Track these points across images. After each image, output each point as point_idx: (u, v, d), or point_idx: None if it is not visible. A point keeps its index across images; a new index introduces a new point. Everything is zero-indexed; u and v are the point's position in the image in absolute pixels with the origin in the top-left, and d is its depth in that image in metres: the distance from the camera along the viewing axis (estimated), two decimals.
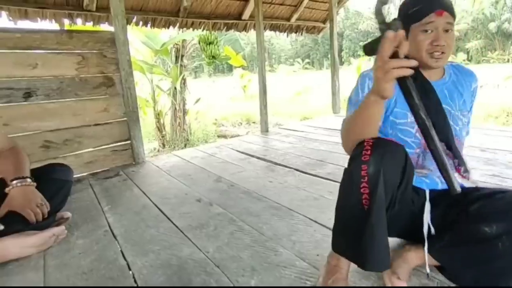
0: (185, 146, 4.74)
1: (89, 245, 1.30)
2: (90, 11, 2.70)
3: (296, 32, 4.84)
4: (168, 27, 3.51)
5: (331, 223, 1.34)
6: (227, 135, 5.66)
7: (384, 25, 0.64)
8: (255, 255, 1.18)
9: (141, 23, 3.25)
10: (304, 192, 1.76)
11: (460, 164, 0.93)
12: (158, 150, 4.76)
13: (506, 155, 2.15)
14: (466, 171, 0.94)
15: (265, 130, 3.60)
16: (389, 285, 0.92)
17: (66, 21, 2.59)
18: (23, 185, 1.26)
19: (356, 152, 0.80)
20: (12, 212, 1.21)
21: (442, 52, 0.87)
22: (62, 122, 2.12)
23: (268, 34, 4.59)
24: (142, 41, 4.60)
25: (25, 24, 2.40)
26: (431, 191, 0.97)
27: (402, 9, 0.93)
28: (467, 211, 0.86)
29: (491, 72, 12.85)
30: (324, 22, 4.88)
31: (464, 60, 26.55)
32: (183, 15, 3.48)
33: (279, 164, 2.31)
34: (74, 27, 2.68)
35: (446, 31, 0.87)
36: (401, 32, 0.62)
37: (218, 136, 5.73)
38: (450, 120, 0.94)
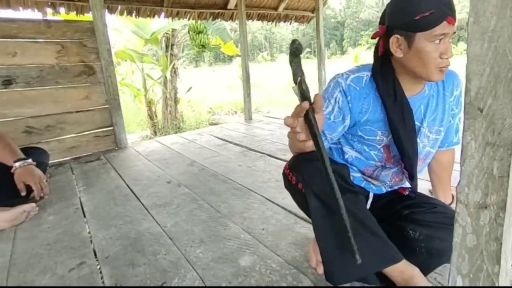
0: (176, 133, 4.84)
1: (58, 221, 1.42)
2: (73, 1, 2.76)
3: (284, 22, 4.83)
4: (153, 17, 3.55)
5: (284, 202, 1.46)
6: (220, 123, 5.75)
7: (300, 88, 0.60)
8: (207, 229, 1.29)
9: (125, 12, 3.29)
10: (268, 175, 1.86)
11: (412, 191, 0.95)
12: (150, 138, 4.87)
13: None
14: (412, 190, 0.97)
15: (248, 118, 3.68)
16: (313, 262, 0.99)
17: (49, 10, 2.66)
18: (26, 165, 1.42)
19: (286, 182, 0.95)
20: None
21: (448, 65, 0.79)
22: (43, 108, 2.23)
23: (266, 24, 4.61)
24: (132, 30, 4.65)
25: (6, 13, 2.47)
26: (375, 194, 1.03)
27: (402, 13, 0.79)
28: (401, 212, 0.93)
29: None
30: (312, 11, 4.86)
31: (464, 50, 25.99)
32: (167, 5, 3.51)
33: (253, 150, 2.40)
34: (58, 16, 2.75)
35: (450, 39, 0.79)
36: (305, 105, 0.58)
37: (211, 124, 5.82)
38: (418, 137, 0.91)
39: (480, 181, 0.48)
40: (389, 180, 0.97)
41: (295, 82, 0.60)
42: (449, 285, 0.54)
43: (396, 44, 0.82)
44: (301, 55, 0.61)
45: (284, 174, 1.00)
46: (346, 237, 0.65)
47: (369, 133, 0.90)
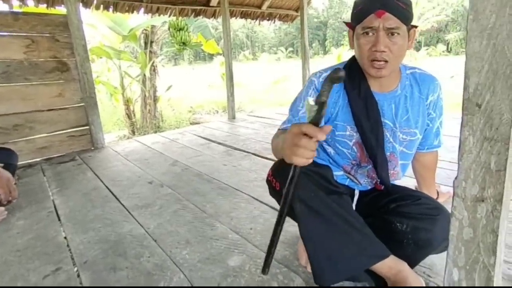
0: (155, 133, 4.71)
1: (29, 225, 1.32)
2: None
3: (268, 20, 4.84)
4: (132, 12, 3.42)
5: (272, 200, 1.43)
6: (201, 122, 5.66)
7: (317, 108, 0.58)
8: (193, 230, 1.25)
9: (101, 7, 3.15)
10: (254, 174, 1.83)
11: (382, 182, 0.94)
12: (128, 138, 4.70)
13: None
14: (386, 187, 0.96)
15: (232, 117, 3.64)
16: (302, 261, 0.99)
17: (16, 3, 2.48)
18: None
19: (271, 189, 0.94)
20: None
21: (384, 61, 0.79)
22: (10, 107, 2.07)
23: (249, 22, 4.57)
24: (108, 26, 4.46)
25: None
26: (360, 191, 1.03)
27: (352, 9, 0.86)
28: (387, 206, 0.93)
29: None
30: (296, 10, 4.89)
31: (443, 51, 27.38)
32: (147, 0, 3.40)
33: (238, 149, 2.37)
34: (25, 9, 2.57)
35: (391, 34, 0.78)
36: (326, 128, 0.58)
37: (191, 124, 5.71)
38: (390, 136, 0.92)
39: (478, 175, 0.48)
40: (366, 177, 0.98)
41: (316, 102, 0.58)
42: (445, 277, 0.55)
43: (351, 38, 0.89)
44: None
45: (268, 181, 0.99)
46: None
47: (340, 128, 0.92)
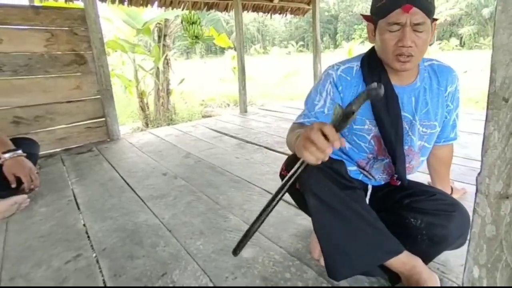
0: (168, 125, 4.78)
1: (51, 213, 1.38)
2: None
3: (280, 13, 4.78)
4: (146, 6, 3.46)
5: (284, 195, 1.44)
6: (212, 115, 5.69)
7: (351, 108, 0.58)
8: (206, 221, 1.27)
9: (117, 1, 3.19)
10: (266, 167, 1.84)
11: (399, 178, 0.93)
12: (141, 130, 4.78)
13: (480, 138, 2.17)
14: (403, 183, 0.94)
15: (243, 110, 3.65)
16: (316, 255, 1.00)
17: None
18: (15, 156, 1.36)
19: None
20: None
21: (410, 55, 0.78)
22: (31, 98, 2.14)
23: (261, 16, 4.53)
24: (123, 19, 4.51)
25: None
26: (373, 186, 1.03)
27: (372, 1, 0.84)
28: (401, 202, 0.92)
29: (480, 57, 12.90)
30: (308, 3, 4.81)
31: (456, 46, 26.42)
32: None
33: (250, 142, 2.38)
34: (45, 3, 2.63)
35: (417, 29, 0.77)
36: (342, 141, 0.60)
37: (203, 117, 5.75)
38: (409, 129, 0.91)
39: (502, 171, 0.47)
40: (382, 172, 0.97)
41: (347, 109, 0.58)
42: (465, 275, 0.54)
43: (371, 32, 0.87)
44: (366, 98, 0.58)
45: (281, 175, 1.00)
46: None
47: (358, 122, 0.90)
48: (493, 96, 0.47)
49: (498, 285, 0.50)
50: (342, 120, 0.58)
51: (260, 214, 0.70)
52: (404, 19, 0.76)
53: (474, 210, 0.51)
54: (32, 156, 1.55)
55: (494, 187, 0.48)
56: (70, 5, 2.70)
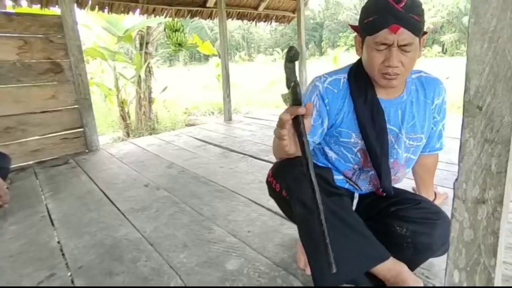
0: (150, 135, 4.68)
1: (22, 230, 1.29)
2: None
3: (265, 21, 4.84)
4: (127, 13, 3.40)
5: (269, 203, 1.43)
6: (196, 124, 5.63)
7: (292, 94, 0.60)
8: (190, 233, 1.23)
9: (96, 7, 3.12)
10: (251, 176, 1.82)
11: (384, 190, 0.93)
12: (122, 140, 4.65)
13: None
14: (388, 195, 0.95)
15: (228, 118, 3.63)
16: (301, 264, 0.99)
17: (9, 3, 2.44)
18: None
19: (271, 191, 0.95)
20: None
21: (396, 74, 0.79)
22: (2, 109, 2.03)
23: (246, 23, 4.57)
24: (103, 26, 4.43)
25: None
26: (360, 194, 1.03)
27: (360, 15, 0.83)
28: (387, 210, 0.93)
29: (461, 65, 13.50)
30: (293, 11, 4.91)
31: (439, 53, 27.65)
32: (143, 1, 3.38)
33: (234, 151, 2.36)
34: (19, 10, 2.54)
35: (404, 50, 0.76)
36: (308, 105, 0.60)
37: (187, 125, 5.68)
38: (395, 142, 0.91)
39: (479, 177, 0.48)
40: (368, 183, 0.98)
41: (288, 87, 0.60)
42: (446, 279, 0.54)
43: (358, 44, 0.87)
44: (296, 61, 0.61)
45: (268, 182, 0.98)
46: (324, 244, 0.64)
47: (344, 135, 0.91)
48: (468, 104, 0.48)
49: (477, 287, 0.50)
50: (294, 96, 0.61)
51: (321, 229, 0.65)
52: (392, 39, 0.75)
53: (452, 215, 0.52)
54: (2, 170, 1.46)
55: (471, 193, 0.49)
56: (46, 11, 2.61)
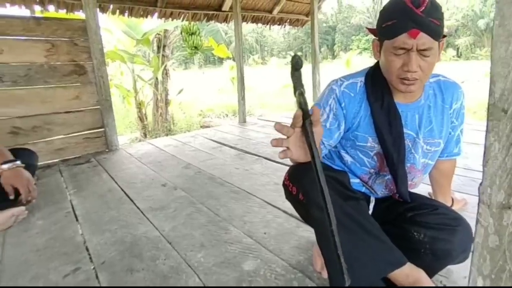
0: (166, 136, 4.77)
1: (48, 225, 1.35)
2: None
3: (279, 25, 4.87)
4: (146, 17, 3.49)
5: (285, 205, 1.44)
6: (211, 126, 5.70)
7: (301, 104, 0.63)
8: (207, 233, 1.26)
9: (117, 12, 3.23)
10: (266, 178, 1.84)
11: (400, 196, 0.92)
12: (140, 140, 4.77)
13: (479, 148, 2.19)
14: (405, 200, 0.93)
15: (242, 120, 3.66)
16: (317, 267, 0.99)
17: (38, 8, 2.57)
18: (14, 167, 1.35)
19: (287, 193, 0.93)
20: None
21: (414, 79, 0.77)
22: (30, 109, 2.14)
23: (260, 26, 4.61)
24: (123, 30, 4.56)
25: None
26: (376, 198, 1.02)
27: (378, 19, 0.82)
28: (404, 215, 0.91)
29: (477, 68, 13.12)
30: (307, 15, 4.91)
31: (453, 56, 26.92)
32: (161, 5, 3.47)
33: (249, 153, 2.38)
34: (46, 14, 2.66)
35: (423, 54, 0.75)
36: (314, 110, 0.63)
37: (202, 127, 5.75)
38: (412, 147, 0.90)
39: (504, 181, 0.48)
40: (384, 188, 0.97)
41: (295, 95, 0.61)
42: (469, 285, 0.54)
43: (376, 47, 0.86)
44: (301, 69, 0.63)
45: (284, 185, 0.98)
46: (336, 255, 0.63)
47: (361, 139, 0.90)
48: (492, 108, 0.47)
49: None
50: (300, 103, 0.63)
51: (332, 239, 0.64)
52: (411, 44, 0.74)
53: (477, 221, 0.51)
54: (31, 167, 1.53)
55: (496, 197, 0.48)
56: (71, 16, 2.73)
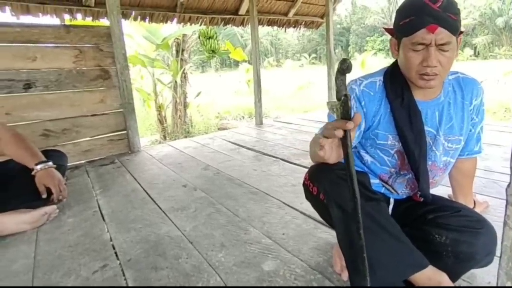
0: (185, 138, 4.87)
1: (78, 223, 1.43)
2: (89, 7, 2.81)
3: (294, 27, 4.87)
4: (166, 22, 3.60)
5: (302, 206, 1.45)
6: (228, 128, 5.76)
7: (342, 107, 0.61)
8: (227, 233, 1.29)
9: (139, 18, 3.35)
10: (283, 179, 1.85)
11: (422, 195, 0.91)
12: (160, 142, 4.89)
13: (500, 150, 2.11)
14: (426, 200, 0.92)
15: (259, 122, 3.69)
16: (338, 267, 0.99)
17: (67, 16, 2.71)
18: (46, 168, 1.44)
19: (307, 193, 0.95)
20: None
21: (434, 74, 0.78)
22: (60, 112, 2.26)
23: (274, 29, 4.64)
24: (143, 35, 4.71)
25: (27, 19, 2.53)
26: (395, 199, 1.02)
27: (395, 17, 0.83)
28: (425, 217, 0.90)
29: (495, 67, 12.52)
30: (322, 17, 4.89)
31: (471, 56, 25.85)
32: (180, 10, 3.57)
33: (266, 154, 2.40)
34: (74, 22, 2.80)
35: (442, 49, 0.76)
36: (356, 116, 0.61)
37: (219, 129, 5.83)
38: (432, 144, 0.90)
39: None
40: (405, 187, 0.96)
41: (338, 99, 0.61)
42: None
43: (394, 46, 0.87)
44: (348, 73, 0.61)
45: (304, 185, 0.99)
46: (361, 259, 0.64)
47: (381, 137, 0.91)
48: None
49: None
50: (344, 108, 0.60)
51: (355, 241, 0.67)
52: (429, 39, 0.75)
53: (505, 223, 0.51)
54: (61, 167, 1.63)
55: None
56: (97, 23, 2.86)
